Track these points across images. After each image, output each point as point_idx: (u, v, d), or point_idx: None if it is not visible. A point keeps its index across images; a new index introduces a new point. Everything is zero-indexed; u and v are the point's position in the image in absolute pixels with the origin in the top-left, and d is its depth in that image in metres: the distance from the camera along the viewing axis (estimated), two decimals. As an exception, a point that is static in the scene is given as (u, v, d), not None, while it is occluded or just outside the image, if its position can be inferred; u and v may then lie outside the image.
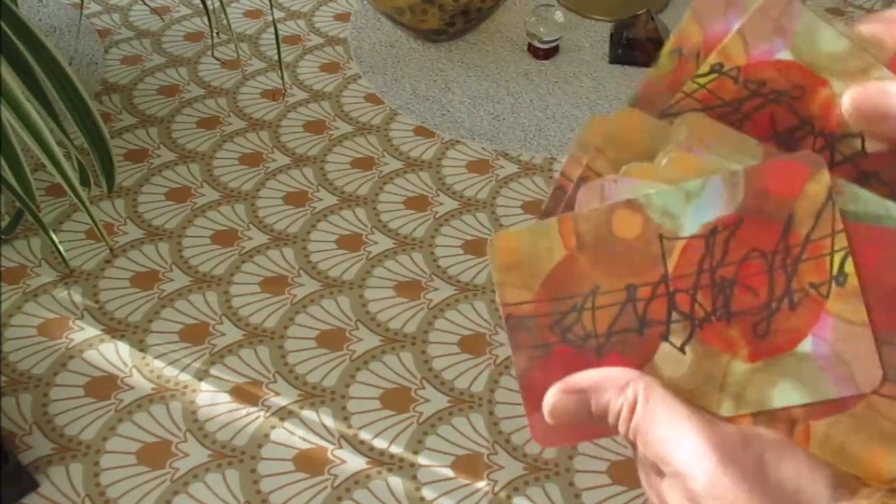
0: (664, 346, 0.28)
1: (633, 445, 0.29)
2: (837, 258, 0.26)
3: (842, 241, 0.26)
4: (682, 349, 0.28)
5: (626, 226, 0.28)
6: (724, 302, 0.27)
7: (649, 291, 0.28)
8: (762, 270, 0.27)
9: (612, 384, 0.27)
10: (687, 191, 0.27)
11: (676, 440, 0.26)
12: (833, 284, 0.26)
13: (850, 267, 0.26)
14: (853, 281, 0.26)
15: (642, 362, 0.28)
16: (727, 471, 0.25)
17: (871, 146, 0.27)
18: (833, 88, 0.28)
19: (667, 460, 0.26)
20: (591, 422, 0.28)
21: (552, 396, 0.28)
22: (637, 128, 0.29)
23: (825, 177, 0.26)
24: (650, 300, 0.28)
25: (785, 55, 0.29)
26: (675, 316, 0.28)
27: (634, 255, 0.28)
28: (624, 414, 0.27)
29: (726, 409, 0.27)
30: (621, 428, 0.27)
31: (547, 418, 0.28)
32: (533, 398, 0.29)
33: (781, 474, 0.25)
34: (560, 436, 0.29)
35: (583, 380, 0.28)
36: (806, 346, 0.27)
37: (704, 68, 0.30)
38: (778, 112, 0.28)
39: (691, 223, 0.27)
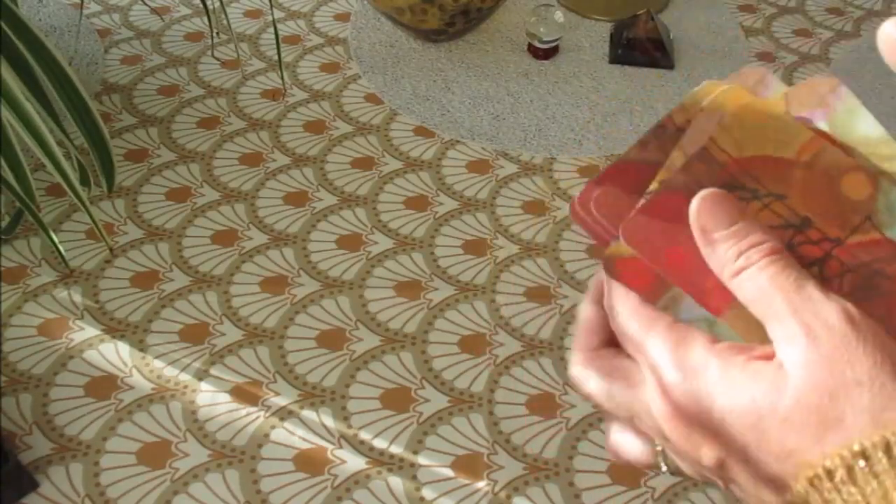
0: None
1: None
2: None
3: None
4: None
5: (855, 187, 0.28)
6: (862, 297, 0.27)
7: (817, 237, 0.28)
8: None
9: (762, 231, 0.28)
10: None
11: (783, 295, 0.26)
12: None
13: None
14: None
15: None
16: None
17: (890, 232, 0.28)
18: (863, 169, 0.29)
19: (761, 309, 0.26)
20: (715, 232, 0.27)
21: (713, 191, 0.28)
22: (767, 116, 0.29)
23: None
24: (811, 243, 0.28)
25: (821, 125, 0.29)
26: (813, 270, 0.28)
27: (838, 207, 0.28)
28: (763, 247, 0.27)
29: None
30: (748, 258, 0.27)
31: (694, 202, 0.28)
32: (655, 205, 0.28)
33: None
34: (646, 245, 0.28)
35: (745, 205, 0.28)
36: None
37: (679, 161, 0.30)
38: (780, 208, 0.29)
39: None
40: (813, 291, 0.25)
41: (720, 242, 0.27)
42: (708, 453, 0.26)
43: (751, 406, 0.25)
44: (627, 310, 0.29)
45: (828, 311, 0.25)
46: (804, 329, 0.24)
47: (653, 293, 0.29)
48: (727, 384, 0.25)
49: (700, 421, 0.26)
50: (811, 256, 0.28)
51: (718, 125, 0.29)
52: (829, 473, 0.23)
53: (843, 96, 0.29)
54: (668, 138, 0.30)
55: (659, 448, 0.30)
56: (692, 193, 0.28)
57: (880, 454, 0.23)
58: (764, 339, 0.26)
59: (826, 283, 0.27)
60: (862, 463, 0.23)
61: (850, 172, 0.28)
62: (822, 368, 0.24)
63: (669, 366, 0.27)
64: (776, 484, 0.25)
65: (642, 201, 0.29)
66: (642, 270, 0.29)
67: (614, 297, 0.29)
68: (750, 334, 0.27)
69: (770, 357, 0.25)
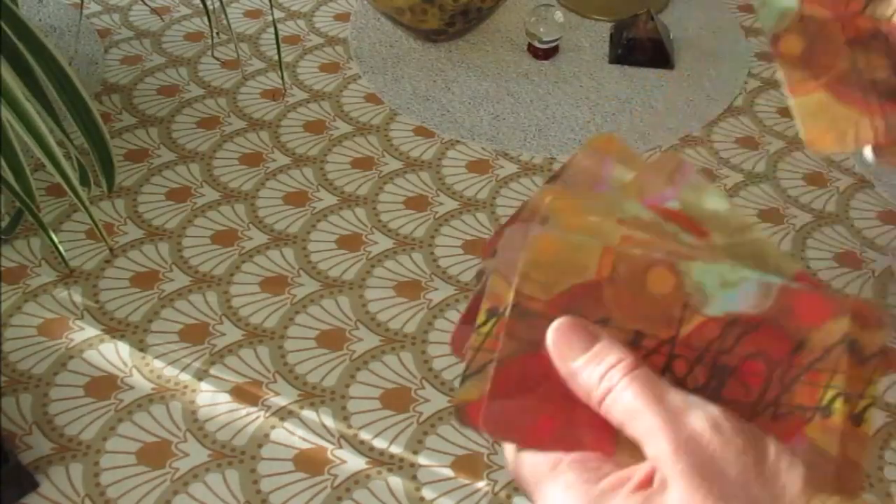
0: None
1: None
2: (830, 393, 0.28)
3: (839, 381, 0.28)
4: None
5: (660, 282, 0.29)
6: (716, 385, 0.28)
7: (654, 344, 0.29)
8: (761, 373, 0.28)
9: (621, 345, 0.28)
10: (724, 279, 0.29)
11: (645, 412, 0.26)
12: (818, 414, 0.28)
13: (838, 405, 0.27)
14: (837, 418, 0.27)
15: None
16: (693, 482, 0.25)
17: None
18: (713, 240, 0.31)
19: (631, 428, 0.27)
20: (573, 362, 0.28)
21: (565, 320, 0.28)
22: (556, 248, 0.30)
23: (846, 321, 0.28)
24: (651, 352, 0.29)
25: (673, 204, 0.31)
26: (667, 376, 0.28)
27: (656, 309, 0.29)
28: (620, 367, 0.27)
29: None
30: (606, 381, 0.27)
31: (549, 336, 0.28)
32: (502, 385, 0.29)
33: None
34: (511, 430, 0.29)
35: (598, 328, 0.28)
36: None
37: (482, 317, 0.30)
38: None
39: (717, 306, 0.28)
40: (676, 401, 0.26)
41: (581, 370, 0.28)
42: None
43: None
44: (526, 461, 0.29)
45: (693, 420, 0.26)
46: (674, 445, 0.25)
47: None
48: None
49: None
50: (657, 365, 0.28)
51: (519, 275, 0.29)
52: None
53: (686, 174, 0.31)
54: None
55: None
56: (529, 354, 0.29)
57: None
58: None
59: (681, 384, 0.28)
60: None
61: (651, 270, 0.29)
62: (698, 484, 0.25)
63: (547, 493, 0.28)
64: None
65: (488, 387, 0.29)
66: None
67: (523, 455, 0.30)
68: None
69: (649, 478, 0.26)
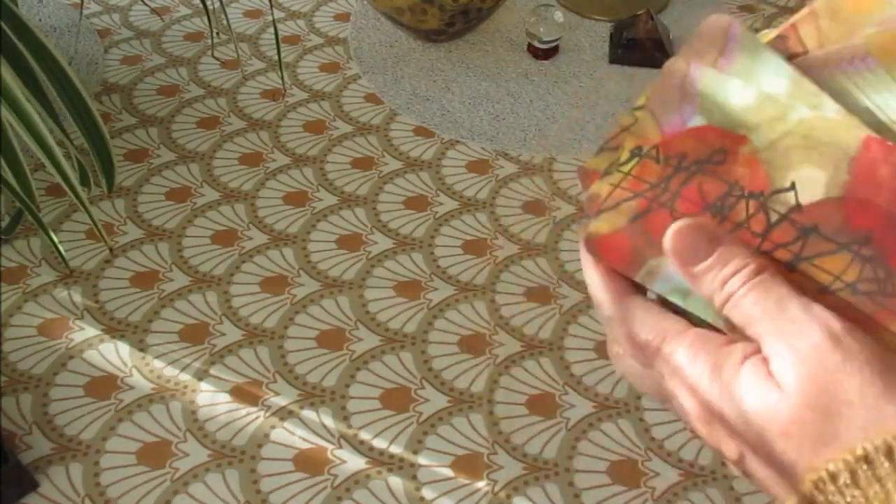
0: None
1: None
2: None
3: None
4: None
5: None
6: (798, 249, 0.27)
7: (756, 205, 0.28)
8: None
9: (745, 247, 0.27)
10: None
11: (774, 316, 0.26)
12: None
13: None
14: None
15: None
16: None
17: (804, 196, 0.27)
18: (753, 143, 0.28)
19: (754, 329, 0.26)
20: (695, 266, 0.27)
21: (684, 223, 0.28)
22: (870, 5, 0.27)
23: None
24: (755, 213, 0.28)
25: (697, 121, 0.29)
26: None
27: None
28: (746, 271, 0.27)
29: None
30: (731, 285, 0.27)
31: (667, 240, 0.28)
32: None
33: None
34: (611, 254, 0.29)
35: (718, 229, 0.28)
36: None
37: (625, 155, 0.30)
38: (705, 182, 0.28)
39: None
40: (796, 312, 0.26)
41: (702, 275, 0.28)
42: (728, 448, 0.27)
43: (755, 416, 0.25)
44: (639, 319, 0.29)
45: (811, 332, 0.25)
46: (792, 352, 0.25)
47: (631, 268, 0.29)
48: (739, 391, 0.26)
49: (720, 419, 0.27)
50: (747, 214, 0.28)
51: (809, 11, 0.28)
52: (833, 477, 0.24)
53: (698, 75, 0.29)
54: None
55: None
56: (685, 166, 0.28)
57: (882, 458, 0.23)
58: None
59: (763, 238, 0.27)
60: (864, 467, 0.23)
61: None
62: (813, 391, 0.24)
63: (691, 370, 0.28)
64: (788, 483, 0.26)
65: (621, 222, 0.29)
66: (620, 246, 0.29)
67: (625, 306, 0.30)
68: None
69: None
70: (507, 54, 1.69)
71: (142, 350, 1.16)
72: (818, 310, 0.26)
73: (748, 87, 0.28)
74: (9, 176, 0.97)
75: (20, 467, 0.99)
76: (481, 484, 1.03)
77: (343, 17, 1.79)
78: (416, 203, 1.38)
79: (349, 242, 1.31)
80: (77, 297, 1.22)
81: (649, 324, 0.29)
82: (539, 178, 1.43)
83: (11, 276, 1.24)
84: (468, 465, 1.05)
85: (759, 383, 0.25)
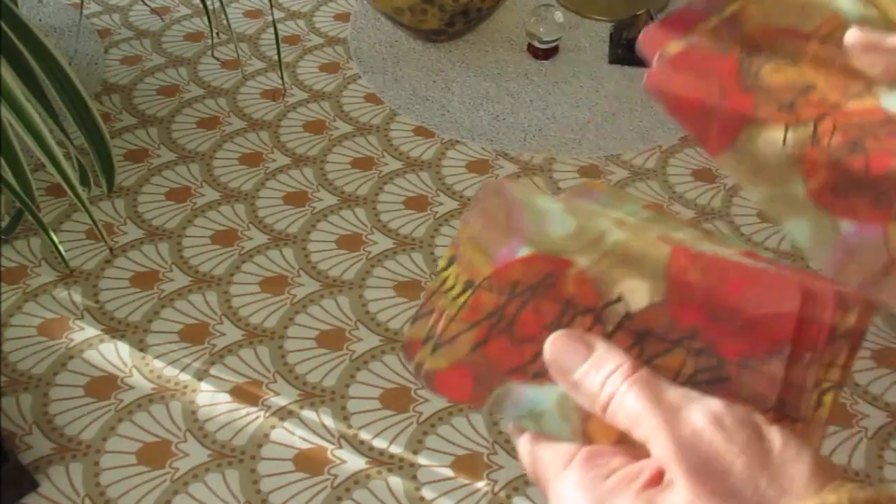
0: (777, 132, 0.31)
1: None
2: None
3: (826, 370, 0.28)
4: (784, 145, 0.31)
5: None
6: (845, 154, 0.30)
7: (818, 98, 0.31)
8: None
9: (619, 349, 0.28)
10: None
11: (647, 416, 0.26)
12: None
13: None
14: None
15: (749, 121, 0.31)
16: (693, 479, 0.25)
17: (633, 305, 0.29)
18: (579, 265, 0.30)
19: (634, 432, 0.27)
20: (573, 373, 0.28)
21: (561, 333, 0.29)
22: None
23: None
24: (810, 105, 0.31)
25: (525, 251, 0.31)
26: (809, 127, 0.30)
27: (840, 77, 0.31)
28: (620, 373, 0.28)
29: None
30: (608, 387, 0.27)
31: (546, 353, 0.29)
32: (680, 61, 0.32)
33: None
34: (671, 90, 0.32)
35: (593, 336, 0.29)
36: None
37: (457, 289, 0.31)
38: (541, 305, 0.30)
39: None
40: (675, 398, 0.26)
41: (582, 380, 0.28)
42: None
43: None
44: (540, 458, 0.30)
45: (694, 417, 0.26)
46: (675, 445, 0.25)
47: (476, 399, 0.30)
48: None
49: None
50: (808, 116, 0.30)
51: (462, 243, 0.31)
52: None
53: (521, 208, 0.31)
54: None
55: None
56: (717, 50, 0.31)
57: None
58: (743, 184, 0.30)
59: (818, 139, 0.30)
60: None
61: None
62: (703, 481, 0.25)
63: (558, 490, 0.28)
64: None
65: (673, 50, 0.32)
66: (463, 380, 0.30)
67: (537, 451, 0.30)
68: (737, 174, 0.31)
69: (660, 474, 0.26)
70: (507, 54, 1.69)
71: (142, 350, 1.16)
72: (696, 394, 0.26)
73: (567, 217, 0.31)
74: (9, 176, 0.97)
75: (20, 467, 0.99)
76: (481, 484, 1.03)
77: (343, 17, 1.79)
78: (416, 203, 1.38)
79: (349, 242, 1.31)
80: (77, 297, 1.22)
81: (544, 459, 0.29)
82: (539, 179, 1.43)
83: (11, 276, 1.24)
84: (468, 465, 1.05)
85: (651, 500, 0.26)
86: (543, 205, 0.31)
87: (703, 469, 0.25)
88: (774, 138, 0.30)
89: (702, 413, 0.26)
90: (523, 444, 0.30)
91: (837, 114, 0.30)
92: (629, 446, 0.27)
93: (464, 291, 0.31)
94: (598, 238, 0.30)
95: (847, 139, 0.29)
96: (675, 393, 0.27)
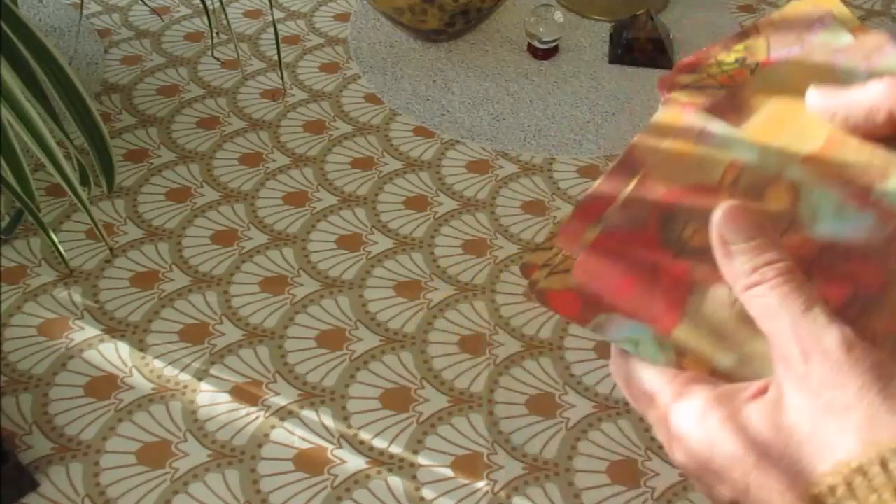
0: (722, 289, 0.29)
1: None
2: None
3: None
4: (734, 302, 0.29)
5: (777, 198, 0.30)
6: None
7: None
8: (846, 295, 0.28)
9: (780, 250, 0.28)
10: (842, 208, 0.29)
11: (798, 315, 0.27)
12: None
13: None
14: None
15: (692, 288, 0.30)
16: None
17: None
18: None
19: (773, 325, 0.27)
20: (734, 244, 0.29)
21: (736, 205, 0.29)
22: (689, 149, 0.32)
23: None
24: None
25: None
26: None
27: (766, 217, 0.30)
28: (780, 265, 0.28)
29: (723, 364, 0.29)
30: (763, 274, 0.27)
31: (719, 213, 0.29)
32: (604, 243, 0.31)
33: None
34: (597, 282, 0.31)
35: (769, 226, 0.29)
36: None
37: (730, 58, 0.34)
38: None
39: (825, 229, 0.29)
40: (819, 316, 0.26)
41: (737, 255, 0.28)
42: (721, 494, 0.28)
43: (747, 451, 0.26)
44: (644, 375, 0.31)
45: (828, 336, 0.26)
46: (801, 353, 0.26)
47: (583, 318, 0.31)
48: (726, 433, 0.27)
49: (709, 466, 0.28)
50: None
51: (651, 162, 0.32)
52: (832, 490, 0.25)
53: (820, 30, 0.33)
54: (629, 170, 0.33)
55: None
56: (635, 229, 0.31)
57: (877, 469, 0.24)
58: (709, 355, 0.29)
59: None
60: (860, 479, 0.24)
61: (771, 186, 0.30)
62: (812, 392, 0.25)
63: (678, 420, 0.29)
64: (795, 491, 0.26)
65: (587, 238, 0.32)
66: (571, 299, 0.32)
67: (631, 366, 0.31)
68: (693, 352, 0.30)
69: (764, 391, 0.27)
70: (507, 54, 1.69)
71: (142, 350, 1.16)
72: (839, 322, 0.26)
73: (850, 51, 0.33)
74: (9, 176, 0.97)
75: (20, 467, 0.99)
76: (481, 484, 1.03)
77: (343, 17, 1.79)
78: (416, 203, 1.38)
79: (349, 242, 1.31)
80: (77, 297, 1.22)
81: (645, 378, 0.30)
82: (539, 178, 1.43)
83: (11, 276, 1.24)
84: (468, 465, 1.05)
85: (750, 416, 0.26)
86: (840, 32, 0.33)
87: (818, 384, 0.25)
88: (721, 299, 0.29)
89: (836, 336, 0.26)
90: (616, 359, 0.31)
91: None
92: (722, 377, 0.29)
93: (732, 63, 0.33)
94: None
95: None
96: (820, 311, 0.26)
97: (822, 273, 0.28)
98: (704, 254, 0.29)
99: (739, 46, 0.34)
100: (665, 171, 0.31)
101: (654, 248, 0.31)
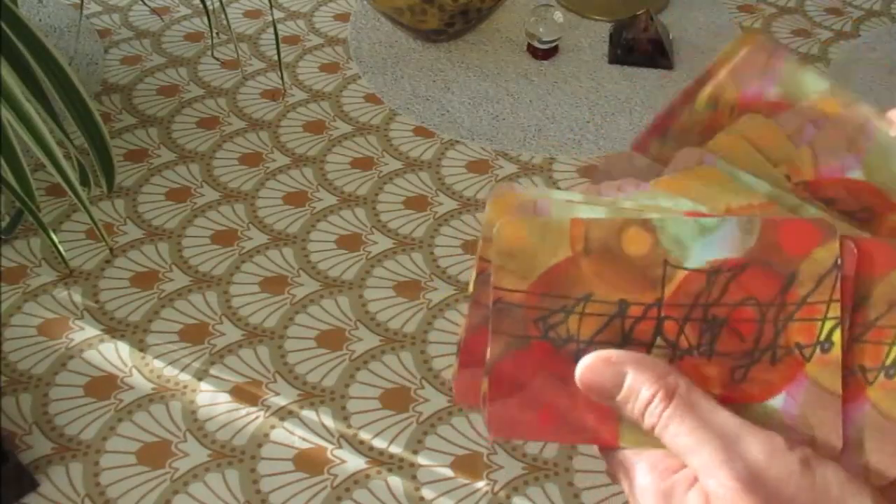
0: None
1: (606, 450, 0.29)
2: (828, 326, 0.27)
3: (835, 311, 0.26)
4: None
5: (636, 243, 0.28)
6: (709, 340, 0.27)
7: (640, 311, 0.28)
8: (754, 319, 0.27)
9: (652, 371, 0.27)
10: (702, 225, 0.27)
11: (698, 447, 0.26)
12: (818, 349, 0.27)
13: (836, 337, 0.26)
14: (837, 351, 0.26)
15: None
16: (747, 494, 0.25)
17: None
18: None
19: (686, 460, 0.27)
20: (610, 400, 0.27)
21: (590, 359, 0.27)
22: (523, 232, 0.28)
23: (835, 245, 0.26)
24: (639, 320, 0.28)
25: (856, 174, 0.29)
26: (659, 341, 0.28)
27: (635, 273, 0.28)
28: (656, 402, 0.27)
29: None
30: (648, 418, 0.27)
31: (577, 378, 0.28)
32: (499, 386, 0.28)
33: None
34: (518, 428, 0.28)
35: (623, 357, 0.27)
36: (777, 401, 0.27)
37: (700, 105, 0.30)
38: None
39: (698, 257, 0.27)
40: (728, 426, 0.26)
41: (622, 407, 0.28)
42: None
43: None
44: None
45: (750, 448, 0.25)
46: (738, 483, 0.25)
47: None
48: None
49: None
50: (648, 333, 0.28)
51: (494, 270, 0.28)
52: None
53: (872, 130, 0.29)
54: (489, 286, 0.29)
55: None
56: (519, 356, 0.28)
57: None
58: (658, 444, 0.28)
59: (675, 347, 0.28)
60: None
61: (624, 232, 0.28)
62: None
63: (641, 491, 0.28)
64: None
65: (483, 388, 0.29)
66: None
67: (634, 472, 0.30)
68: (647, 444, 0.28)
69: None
70: (507, 54, 1.69)
71: (142, 350, 1.16)
72: (746, 423, 0.26)
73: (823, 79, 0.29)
74: (9, 176, 0.97)
75: (20, 467, 0.99)
76: (481, 484, 1.03)
77: (343, 17, 1.79)
78: (416, 203, 1.38)
79: (349, 242, 1.31)
80: (77, 297, 1.22)
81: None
82: (539, 178, 1.43)
83: (11, 276, 1.25)
84: (468, 465, 1.05)
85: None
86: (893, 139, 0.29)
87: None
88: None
89: (757, 444, 0.25)
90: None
91: (668, 310, 0.28)
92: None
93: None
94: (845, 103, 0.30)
95: (698, 325, 0.28)
96: (724, 418, 0.26)
97: (722, 305, 0.27)
98: (602, 342, 0.28)
99: (704, 93, 0.31)
100: (513, 270, 0.28)
101: (550, 361, 0.28)
